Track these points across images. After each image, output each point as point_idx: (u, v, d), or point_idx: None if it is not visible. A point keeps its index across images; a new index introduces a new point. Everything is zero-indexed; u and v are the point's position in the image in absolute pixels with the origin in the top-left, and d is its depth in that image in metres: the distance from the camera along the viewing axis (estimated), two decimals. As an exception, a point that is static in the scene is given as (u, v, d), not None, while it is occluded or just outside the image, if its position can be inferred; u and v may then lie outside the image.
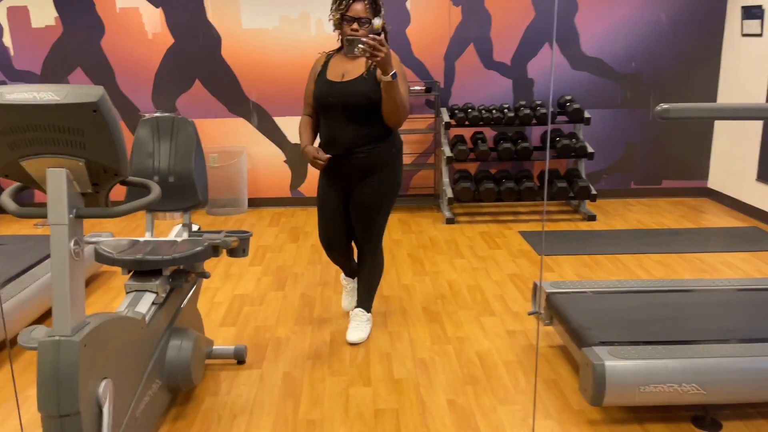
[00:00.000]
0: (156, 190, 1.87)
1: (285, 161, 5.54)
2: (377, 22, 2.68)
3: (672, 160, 5.62)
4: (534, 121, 5.04)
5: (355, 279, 3.20)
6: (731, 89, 5.27)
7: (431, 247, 4.46)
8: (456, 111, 5.13)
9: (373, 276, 3.06)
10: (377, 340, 3.09)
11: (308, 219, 5.24)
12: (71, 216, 1.74)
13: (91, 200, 1.83)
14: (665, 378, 2.23)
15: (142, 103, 5.36)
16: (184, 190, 2.56)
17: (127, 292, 2.32)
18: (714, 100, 5.47)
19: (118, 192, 5.20)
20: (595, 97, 5.45)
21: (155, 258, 2.28)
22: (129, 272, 2.36)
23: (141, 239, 2.51)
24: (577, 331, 2.55)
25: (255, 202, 5.61)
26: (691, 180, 5.66)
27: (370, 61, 2.68)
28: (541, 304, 2.99)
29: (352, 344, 3.04)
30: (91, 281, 3.89)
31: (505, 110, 5.09)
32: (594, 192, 4.99)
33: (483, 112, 5.07)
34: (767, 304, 2.73)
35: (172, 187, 2.56)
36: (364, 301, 3.11)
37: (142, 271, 2.36)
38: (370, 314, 3.14)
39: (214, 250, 2.51)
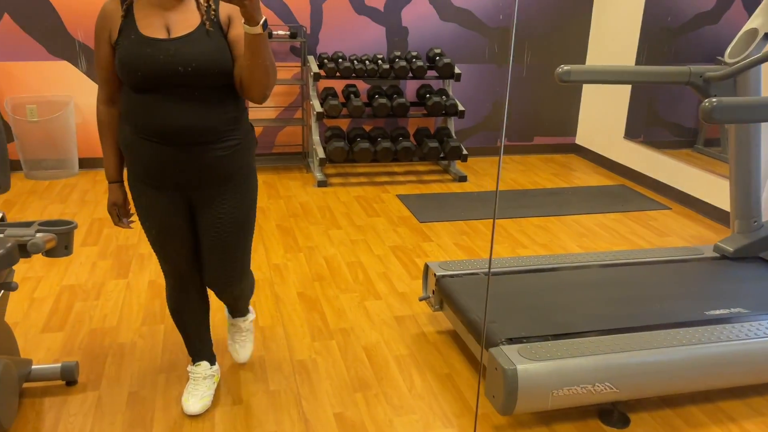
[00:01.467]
0: None
1: (125, 114, 4.71)
2: None
3: (541, 117, 5.54)
4: (410, 74, 4.66)
5: (212, 365, 2.24)
6: (601, 46, 5.24)
7: (303, 216, 3.99)
8: (325, 60, 4.60)
9: (248, 299, 2.26)
10: (246, 338, 2.61)
11: (156, 183, 4.52)
12: None
13: None
14: (578, 379, 2.00)
15: (-72, 39, 4.24)
16: (-27, 170, 1.86)
17: None
18: (584, 57, 5.42)
19: None
20: (463, 51, 5.17)
21: (-73, 271, 1.61)
22: None
23: None
24: (478, 325, 2.26)
25: (88, 163, 4.75)
26: (560, 137, 5.64)
27: (202, 3, 1.77)
28: (431, 288, 2.68)
29: (241, 363, 2.41)
30: None
31: (379, 61, 4.66)
32: (465, 152, 4.76)
33: (356, 62, 4.60)
34: (667, 281, 2.62)
35: (-46, 166, 1.85)
36: (239, 312, 2.31)
37: None
38: (250, 316, 2.37)
39: (21, 251, 1.86)
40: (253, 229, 2.01)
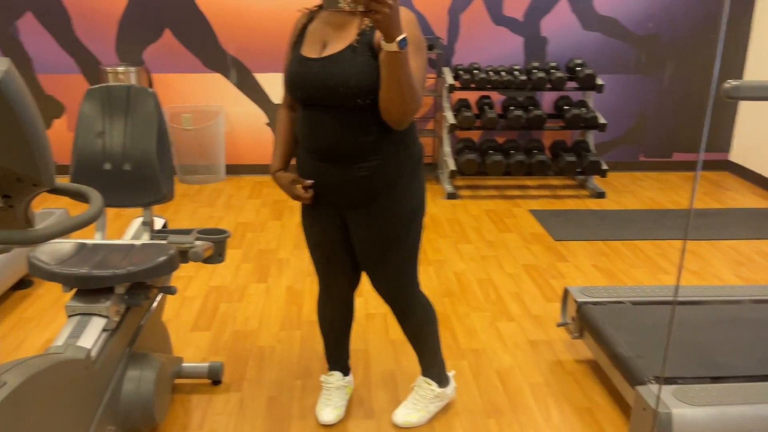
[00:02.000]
0: (96, 203, 1.35)
1: (267, 123, 4.96)
2: None
3: (687, 131, 5.14)
4: (548, 85, 4.51)
5: (344, 376, 2.28)
6: (764, 56, 4.77)
7: (433, 228, 3.97)
8: (460, 72, 4.57)
9: (421, 332, 2.10)
10: (378, 351, 2.63)
11: (293, 190, 4.71)
12: (-31, 243, 1.22)
13: (5, 217, 1.30)
14: (743, 430, 1.81)
15: (104, 55, 4.70)
16: (144, 181, 2.02)
17: (69, 316, 1.81)
18: (741, 68, 4.97)
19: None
20: (606, 61, 4.92)
21: (104, 274, 1.76)
22: (71, 289, 1.85)
23: (89, 242, 1.98)
24: (625, 360, 2.12)
25: (234, 169, 5.05)
26: (710, 152, 5.21)
27: (365, 21, 1.73)
28: (570, 314, 2.55)
29: (397, 426, 2.17)
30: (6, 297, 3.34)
31: (516, 72, 4.55)
32: (605, 167, 4.52)
33: (491, 74, 4.52)
34: (843, 323, 2.32)
35: (129, 177, 2.02)
36: (428, 367, 2.18)
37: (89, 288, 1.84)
38: (439, 388, 2.19)
39: (181, 257, 1.99)
40: (409, 249, 1.93)
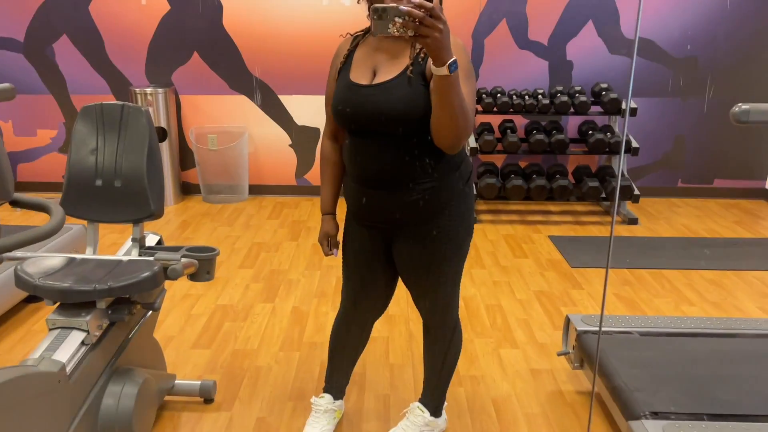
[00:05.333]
0: (57, 216, 1.37)
1: (290, 145, 5.02)
2: None
3: (727, 157, 4.96)
4: (571, 110, 4.43)
5: (335, 400, 2.22)
6: (802, 78, 4.58)
7: (447, 253, 3.91)
8: (483, 96, 4.53)
9: (442, 359, 2.06)
10: (375, 374, 2.58)
11: (313, 211, 4.73)
12: (-72, 253, 1.25)
13: (-34, 228, 1.33)
14: (740, 474, 1.69)
15: (134, 77, 4.86)
16: (133, 198, 2.05)
17: (50, 329, 1.84)
18: (780, 90, 4.78)
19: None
20: (641, 85, 4.80)
21: (85, 288, 1.78)
22: (55, 303, 1.88)
23: (79, 257, 2.02)
24: (620, 393, 2.02)
25: (256, 189, 5.11)
26: (748, 180, 5.00)
27: (418, 49, 1.71)
28: (571, 343, 2.46)
29: None
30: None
31: (539, 96, 4.49)
32: (636, 192, 4.39)
33: (514, 97, 4.47)
34: None
35: (119, 194, 2.05)
36: (429, 394, 2.13)
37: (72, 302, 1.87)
38: (434, 418, 2.14)
39: (166, 274, 2.01)
40: (456, 271, 1.89)
